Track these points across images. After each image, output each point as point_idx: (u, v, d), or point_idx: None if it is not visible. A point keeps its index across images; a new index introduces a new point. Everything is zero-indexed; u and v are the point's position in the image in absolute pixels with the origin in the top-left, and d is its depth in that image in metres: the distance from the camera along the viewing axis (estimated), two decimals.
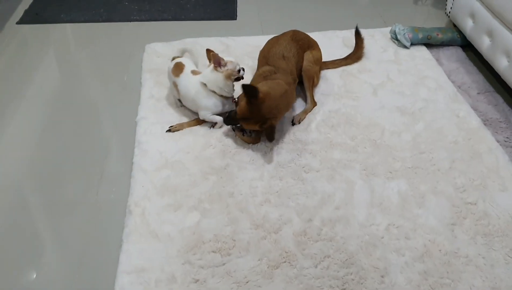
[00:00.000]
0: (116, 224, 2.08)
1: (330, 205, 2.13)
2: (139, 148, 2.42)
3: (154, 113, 2.63)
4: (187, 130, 2.52)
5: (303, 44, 2.67)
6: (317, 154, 2.39)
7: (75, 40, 3.37)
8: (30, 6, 3.69)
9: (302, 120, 2.57)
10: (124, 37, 3.37)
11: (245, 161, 2.35)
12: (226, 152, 2.40)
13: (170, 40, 3.25)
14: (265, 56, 2.62)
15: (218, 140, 2.46)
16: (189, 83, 2.49)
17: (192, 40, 3.23)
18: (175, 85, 2.54)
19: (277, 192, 2.20)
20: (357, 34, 3.00)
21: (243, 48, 3.13)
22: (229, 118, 2.38)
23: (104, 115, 2.68)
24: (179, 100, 2.62)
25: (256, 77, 2.55)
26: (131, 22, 3.54)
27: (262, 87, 2.27)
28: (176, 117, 2.59)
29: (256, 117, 2.27)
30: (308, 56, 2.67)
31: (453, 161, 2.34)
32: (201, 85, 2.44)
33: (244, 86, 2.22)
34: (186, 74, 2.51)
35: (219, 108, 2.49)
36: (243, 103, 2.27)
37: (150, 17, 3.56)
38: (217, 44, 3.18)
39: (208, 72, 2.45)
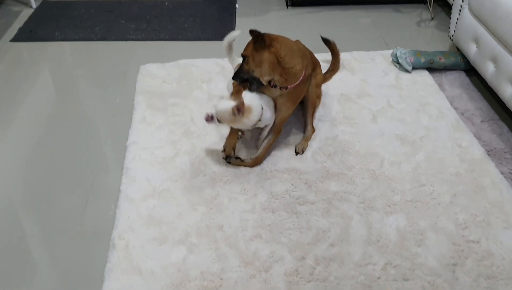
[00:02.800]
0: (99, 258, 1.97)
1: (325, 242, 2.02)
2: (127, 175, 2.32)
3: (144, 138, 2.54)
4: (178, 156, 2.42)
5: (310, 54, 2.55)
6: (313, 185, 2.28)
7: (69, 59, 3.29)
8: (25, 23, 3.63)
9: (305, 149, 2.46)
10: (119, 56, 3.29)
11: (236, 191, 2.25)
12: (217, 180, 2.29)
13: (165, 61, 3.17)
14: None
15: (209, 167, 2.36)
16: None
17: (187, 61, 3.15)
18: None
19: (269, 225, 2.09)
20: (326, 42, 2.90)
21: None
22: (239, 69, 2.21)
23: (94, 139, 2.59)
24: None
25: None
26: (127, 42, 3.46)
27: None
28: (166, 142, 2.50)
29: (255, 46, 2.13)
30: (312, 82, 2.54)
31: (454, 194, 2.23)
32: None
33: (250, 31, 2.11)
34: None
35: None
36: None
37: (146, 36, 3.49)
38: (213, 66, 3.10)
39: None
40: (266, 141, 2.38)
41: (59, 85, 3.04)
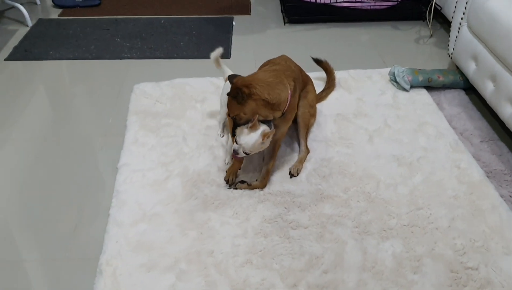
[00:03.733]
0: (86, 285, 1.92)
1: (318, 269, 1.96)
2: (117, 198, 2.27)
3: (136, 160, 2.49)
4: (169, 178, 2.37)
5: (301, 71, 2.52)
6: (306, 208, 2.22)
7: (63, 79, 3.26)
8: (20, 42, 3.61)
9: (300, 171, 2.41)
10: (113, 75, 3.26)
11: (228, 214, 2.19)
12: (209, 203, 2.24)
13: (160, 80, 3.14)
14: (266, 65, 2.41)
15: (201, 190, 2.31)
16: None
17: (182, 80, 3.12)
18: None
19: (260, 251, 2.03)
20: (318, 62, 2.87)
21: None
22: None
23: (85, 161, 2.54)
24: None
25: None
26: (122, 60, 3.43)
27: (238, 81, 2.10)
28: (158, 164, 2.44)
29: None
30: (304, 102, 2.50)
31: (452, 218, 2.17)
32: None
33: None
34: None
35: None
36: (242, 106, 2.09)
37: (141, 55, 3.46)
38: (207, 85, 3.06)
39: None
40: (270, 159, 2.35)
41: (52, 105, 3.00)
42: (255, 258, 2.00)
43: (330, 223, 2.15)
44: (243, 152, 2.13)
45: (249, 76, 2.17)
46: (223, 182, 2.33)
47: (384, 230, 2.12)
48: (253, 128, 2.10)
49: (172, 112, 2.83)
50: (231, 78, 2.16)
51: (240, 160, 2.32)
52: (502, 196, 2.28)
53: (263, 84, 2.09)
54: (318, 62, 2.95)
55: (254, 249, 2.03)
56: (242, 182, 2.32)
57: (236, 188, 2.31)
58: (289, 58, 2.45)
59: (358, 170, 2.42)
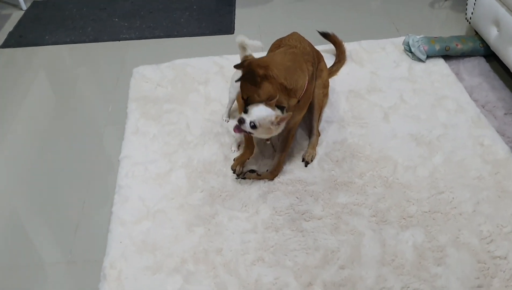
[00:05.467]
0: None
1: (334, 264, 1.83)
2: (119, 194, 2.16)
3: (138, 151, 2.36)
4: (173, 170, 2.24)
5: (313, 49, 2.33)
6: (319, 197, 2.08)
7: (59, 66, 3.11)
8: (15, 27, 3.46)
9: (314, 157, 2.26)
10: (112, 59, 3.10)
11: (237, 207, 2.06)
12: (216, 196, 2.11)
13: (160, 61, 2.98)
14: (278, 46, 2.23)
15: (206, 182, 2.18)
16: None
17: (183, 61, 2.95)
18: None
19: (272, 247, 1.91)
20: (325, 36, 2.68)
21: None
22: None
23: (85, 154, 2.42)
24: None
25: None
26: (120, 41, 3.27)
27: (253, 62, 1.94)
28: (161, 155, 2.31)
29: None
30: (318, 81, 2.32)
31: (477, 202, 2.01)
32: None
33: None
34: None
35: None
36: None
37: (140, 35, 3.29)
38: (210, 65, 2.89)
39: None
40: (283, 149, 2.20)
41: (50, 94, 2.87)
42: (267, 255, 1.88)
43: (345, 213, 2.01)
44: (250, 125, 1.92)
45: (265, 57, 2.02)
46: (231, 172, 2.20)
47: (404, 218, 1.98)
48: (268, 105, 1.93)
49: (174, 97, 2.68)
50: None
51: (247, 136, 2.10)
52: None
53: (281, 67, 1.93)
54: (326, 35, 2.76)
55: (265, 245, 1.91)
56: (252, 171, 2.18)
57: (244, 178, 2.17)
58: (302, 37, 2.28)
59: (374, 152, 2.27)
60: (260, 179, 2.16)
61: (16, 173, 2.34)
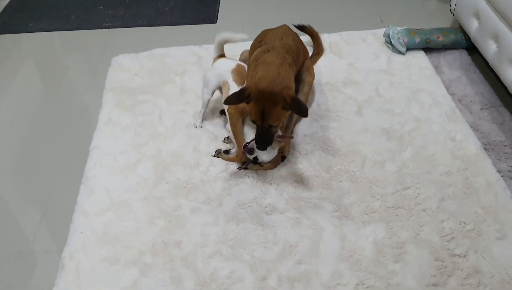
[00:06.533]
0: (47, 281, 1.83)
1: (291, 259, 1.83)
2: (85, 184, 2.16)
3: (108, 141, 2.36)
4: (141, 161, 2.24)
5: (300, 44, 2.32)
6: (284, 191, 2.07)
7: (41, 53, 3.11)
8: (0, 14, 3.45)
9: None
10: (93, 47, 3.10)
11: (200, 200, 2.06)
12: (180, 188, 2.11)
13: (140, 50, 2.96)
14: (260, 41, 2.21)
15: (173, 174, 2.17)
16: None
17: (162, 50, 2.93)
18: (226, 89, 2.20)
19: (231, 240, 1.90)
20: (302, 29, 2.64)
21: None
22: (262, 135, 1.96)
23: (57, 143, 2.42)
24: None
25: (249, 67, 2.14)
26: (103, 30, 3.25)
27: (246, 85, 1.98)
28: (131, 146, 2.31)
29: (272, 104, 1.89)
30: (305, 82, 2.32)
31: (442, 198, 1.99)
32: None
33: (226, 102, 1.94)
34: None
35: None
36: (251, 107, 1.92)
37: (123, 23, 3.27)
38: (189, 55, 2.87)
39: None
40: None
41: (29, 82, 2.87)
42: (225, 248, 1.87)
43: (308, 207, 2.00)
44: (255, 160, 2.06)
45: (273, 76, 1.92)
46: (197, 164, 2.19)
47: (367, 214, 1.96)
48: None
49: (150, 88, 2.67)
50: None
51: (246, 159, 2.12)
52: (499, 172, 2.08)
53: (286, 80, 1.94)
54: (302, 28, 2.72)
55: (224, 238, 1.91)
56: (255, 161, 2.11)
57: (246, 168, 2.15)
58: (288, 31, 2.24)
59: (343, 146, 2.25)
60: (262, 169, 2.14)
61: None
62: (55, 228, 2.03)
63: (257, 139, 1.96)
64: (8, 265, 1.91)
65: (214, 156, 2.21)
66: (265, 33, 2.25)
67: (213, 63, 2.34)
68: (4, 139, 2.47)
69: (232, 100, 1.92)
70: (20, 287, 1.83)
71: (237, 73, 2.20)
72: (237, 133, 2.11)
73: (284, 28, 2.26)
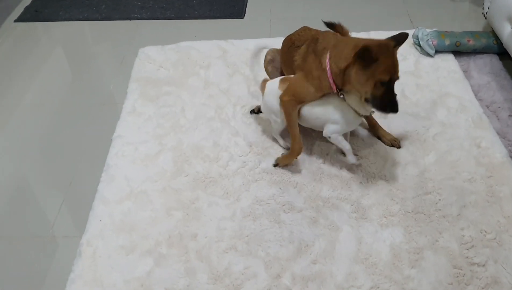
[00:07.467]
0: (65, 266, 1.86)
1: (306, 258, 1.81)
2: (107, 173, 2.18)
3: (131, 131, 2.39)
4: (162, 152, 2.25)
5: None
6: (303, 189, 2.06)
7: (70, 42, 3.16)
8: (32, 2, 3.52)
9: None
10: (121, 38, 3.13)
11: (218, 194, 2.06)
12: (199, 181, 2.11)
13: (167, 43, 2.98)
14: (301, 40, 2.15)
15: (192, 167, 2.18)
16: None
17: (188, 43, 2.95)
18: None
19: (247, 236, 1.90)
20: (331, 26, 2.58)
21: (241, 54, 2.81)
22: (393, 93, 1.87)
23: (81, 131, 2.46)
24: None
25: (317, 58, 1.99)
26: (131, 21, 3.28)
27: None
28: (152, 137, 2.33)
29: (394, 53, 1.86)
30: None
31: (464, 206, 1.94)
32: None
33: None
34: None
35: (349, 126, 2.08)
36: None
37: (151, 15, 3.30)
38: (214, 49, 2.88)
39: None
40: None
41: (57, 70, 2.92)
42: (240, 244, 1.87)
43: (326, 207, 1.98)
44: None
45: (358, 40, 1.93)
46: (217, 158, 2.20)
47: (385, 217, 1.93)
48: None
49: (174, 79, 2.68)
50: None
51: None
52: None
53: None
54: (331, 26, 2.68)
55: (240, 233, 1.91)
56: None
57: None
58: (307, 30, 2.20)
59: (365, 147, 2.22)
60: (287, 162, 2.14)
61: (12, 145, 2.40)
62: (75, 214, 2.06)
63: (392, 100, 1.86)
64: (27, 248, 1.94)
65: (274, 165, 2.15)
66: (290, 38, 2.21)
67: (261, 89, 2.22)
68: (31, 124, 2.51)
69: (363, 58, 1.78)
70: (39, 271, 1.86)
71: (284, 84, 2.10)
72: (292, 123, 2.05)
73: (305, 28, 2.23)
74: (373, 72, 1.79)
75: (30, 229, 2.02)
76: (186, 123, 2.39)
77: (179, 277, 1.77)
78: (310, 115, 2.06)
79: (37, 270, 1.86)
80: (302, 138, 2.10)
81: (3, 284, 1.82)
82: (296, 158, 2.11)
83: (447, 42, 2.68)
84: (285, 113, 2.05)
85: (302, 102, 2.04)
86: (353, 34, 2.70)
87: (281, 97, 2.05)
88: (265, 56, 2.36)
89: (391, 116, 2.24)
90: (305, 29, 2.19)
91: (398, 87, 2.43)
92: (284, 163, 2.13)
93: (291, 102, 2.02)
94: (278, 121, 2.13)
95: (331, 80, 1.92)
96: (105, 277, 1.79)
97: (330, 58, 1.91)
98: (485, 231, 1.85)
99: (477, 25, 3.03)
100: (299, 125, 2.09)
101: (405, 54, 2.75)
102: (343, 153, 2.12)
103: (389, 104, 1.85)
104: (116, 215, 2.00)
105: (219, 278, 1.76)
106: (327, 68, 1.91)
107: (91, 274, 1.81)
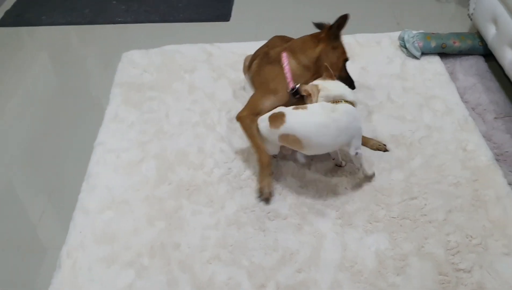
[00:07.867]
0: (44, 278, 1.82)
1: (291, 266, 1.79)
2: (88, 182, 2.15)
3: (113, 138, 2.35)
4: (145, 160, 2.21)
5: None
6: (288, 196, 2.03)
7: (53, 47, 3.11)
8: (13, 6, 3.46)
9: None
10: (105, 42, 3.09)
11: (202, 202, 2.03)
12: (183, 189, 2.08)
13: (151, 47, 2.94)
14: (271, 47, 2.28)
15: (176, 174, 2.15)
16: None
17: (173, 47, 2.91)
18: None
19: (231, 245, 1.87)
20: (319, 27, 2.56)
21: (226, 58, 2.78)
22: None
23: (62, 139, 2.42)
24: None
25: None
26: (116, 25, 3.24)
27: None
28: (135, 144, 2.29)
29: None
30: None
31: (449, 210, 1.93)
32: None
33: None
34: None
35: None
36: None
37: (136, 18, 3.26)
38: (199, 53, 2.84)
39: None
40: None
41: (39, 75, 2.87)
42: (224, 253, 1.84)
43: (311, 213, 1.96)
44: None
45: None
46: (201, 165, 2.16)
47: (370, 223, 1.91)
48: None
49: (158, 84, 2.64)
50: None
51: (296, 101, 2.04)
52: (510, 184, 2.02)
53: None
54: (320, 26, 2.65)
55: (224, 242, 1.88)
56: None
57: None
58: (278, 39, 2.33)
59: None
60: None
61: None
62: (55, 224, 2.03)
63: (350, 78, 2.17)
64: (5, 260, 1.90)
65: (261, 199, 2.02)
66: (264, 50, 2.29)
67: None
68: (12, 131, 2.47)
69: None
70: (17, 284, 1.82)
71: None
72: (252, 136, 2.03)
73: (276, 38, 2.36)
74: (340, 53, 2.18)
75: (9, 240, 1.97)
76: (170, 129, 2.36)
77: (160, 289, 1.74)
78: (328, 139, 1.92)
79: (15, 283, 1.82)
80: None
81: None
82: (270, 170, 2.04)
83: (432, 44, 2.67)
84: (244, 128, 2.05)
85: (258, 113, 2.04)
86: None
87: (238, 115, 2.08)
88: (244, 63, 2.35)
89: (376, 119, 2.24)
90: (261, 47, 2.33)
91: (384, 90, 2.44)
92: (266, 182, 2.01)
93: (249, 116, 2.04)
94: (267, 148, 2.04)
95: (289, 75, 2.08)
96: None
97: (289, 57, 2.11)
98: (471, 236, 1.83)
99: (463, 27, 3.01)
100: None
101: (391, 57, 2.73)
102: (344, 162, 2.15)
103: (352, 81, 2.19)
104: (97, 226, 1.96)
105: (202, 289, 1.73)
106: (286, 65, 2.09)
107: (70, 287, 1.78)
